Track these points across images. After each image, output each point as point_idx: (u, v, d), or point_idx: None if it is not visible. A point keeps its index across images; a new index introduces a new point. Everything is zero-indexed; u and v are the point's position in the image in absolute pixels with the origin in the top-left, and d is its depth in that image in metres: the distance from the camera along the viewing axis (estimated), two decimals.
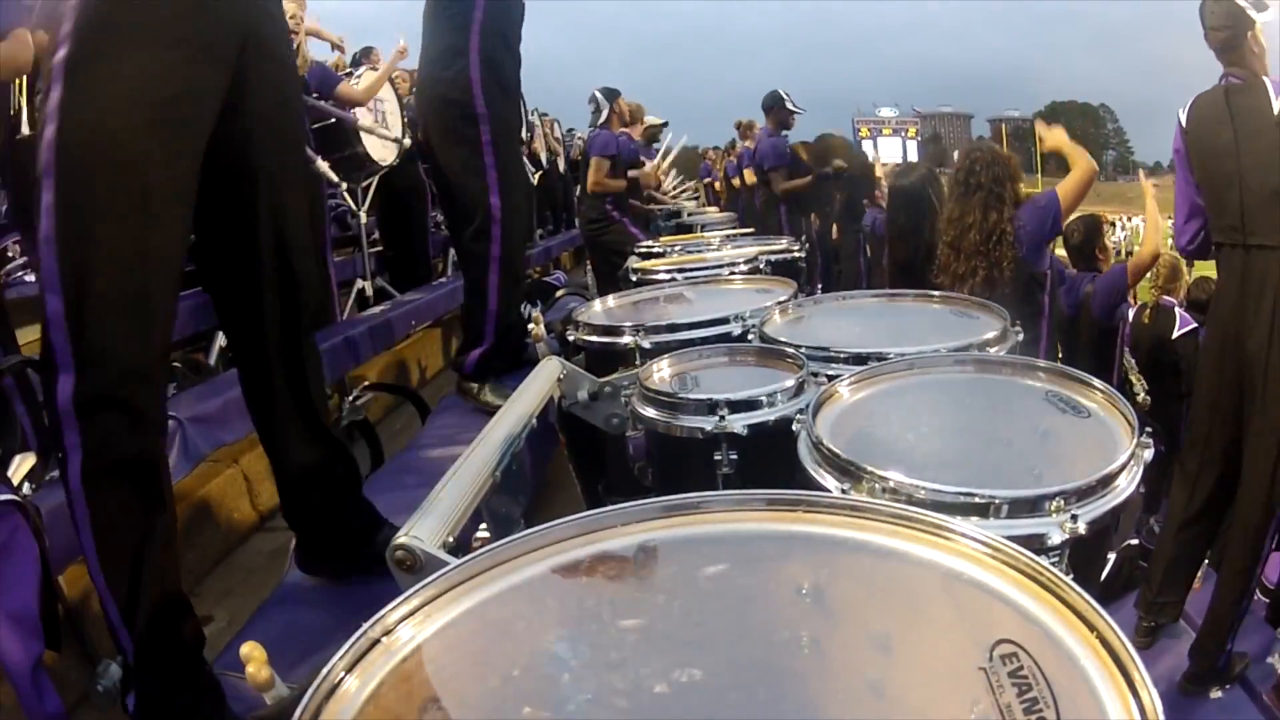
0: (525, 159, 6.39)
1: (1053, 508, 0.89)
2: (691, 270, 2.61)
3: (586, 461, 1.74)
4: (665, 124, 6.29)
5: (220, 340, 3.11)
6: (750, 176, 6.46)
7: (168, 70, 1.08)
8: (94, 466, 1.08)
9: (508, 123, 2.29)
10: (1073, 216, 3.20)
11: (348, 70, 4.24)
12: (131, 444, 1.09)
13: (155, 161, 1.07)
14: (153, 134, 1.07)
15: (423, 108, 2.34)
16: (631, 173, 4.77)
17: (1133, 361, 3.69)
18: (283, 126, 1.33)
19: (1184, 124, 2.56)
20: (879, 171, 5.61)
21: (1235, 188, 2.37)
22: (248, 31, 1.21)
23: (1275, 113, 2.34)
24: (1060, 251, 4.66)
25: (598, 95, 4.78)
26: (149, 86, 1.06)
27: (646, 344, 1.75)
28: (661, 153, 6.34)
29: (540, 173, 7.19)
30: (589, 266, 5.17)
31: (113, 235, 1.06)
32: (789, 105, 5.75)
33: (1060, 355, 4.00)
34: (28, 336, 3.47)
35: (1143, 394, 3.62)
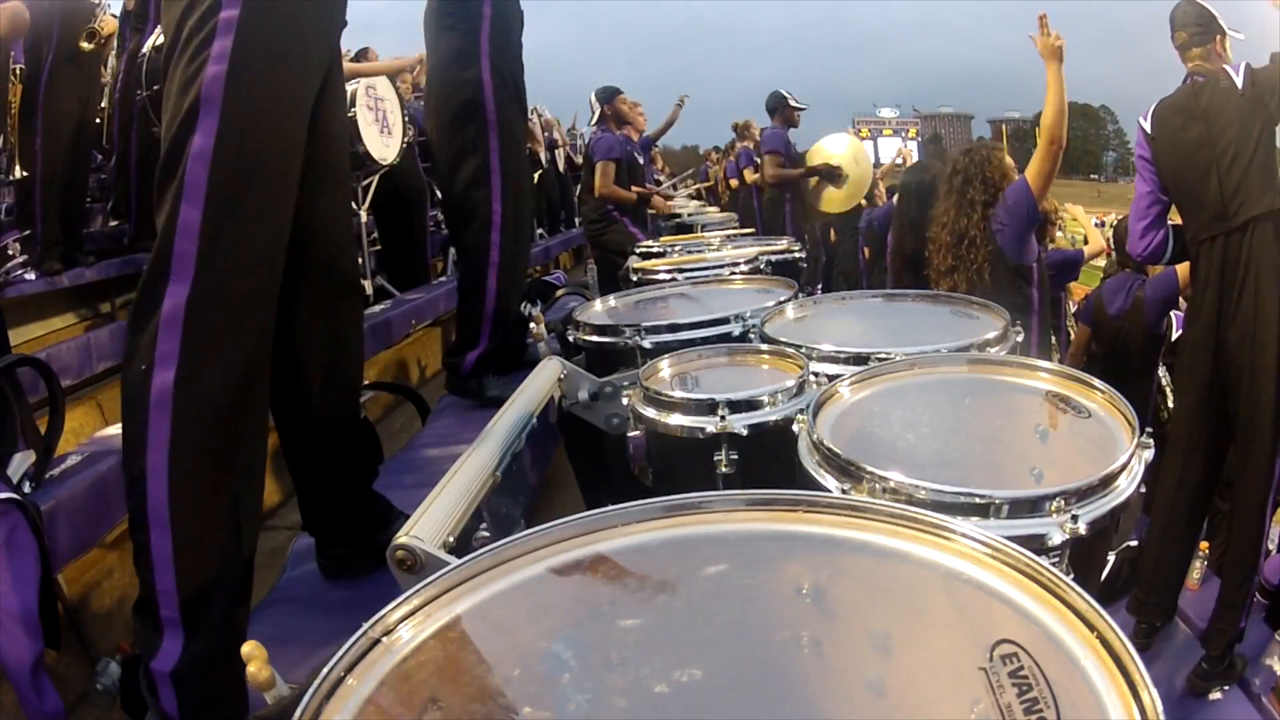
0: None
1: (1053, 508, 0.89)
2: (692, 270, 2.61)
3: (586, 461, 1.73)
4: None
5: None
6: (751, 176, 6.46)
7: (307, 74, 1.23)
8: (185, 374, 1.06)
9: (516, 129, 2.31)
10: None
11: None
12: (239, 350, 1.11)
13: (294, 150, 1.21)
14: (294, 129, 1.20)
15: (432, 108, 2.36)
16: (640, 190, 4.76)
17: (1165, 369, 3.64)
18: (341, 135, 1.45)
19: (1149, 130, 2.58)
20: (878, 173, 5.62)
21: (1213, 175, 2.39)
22: (334, 44, 1.36)
23: (1239, 88, 2.38)
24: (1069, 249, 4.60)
25: (591, 98, 4.79)
26: (296, 89, 1.20)
27: (647, 344, 1.74)
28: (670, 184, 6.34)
29: (540, 172, 7.19)
30: (589, 266, 5.18)
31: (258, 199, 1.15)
32: (791, 103, 5.76)
33: (1058, 353, 3.96)
34: (23, 337, 3.47)
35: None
